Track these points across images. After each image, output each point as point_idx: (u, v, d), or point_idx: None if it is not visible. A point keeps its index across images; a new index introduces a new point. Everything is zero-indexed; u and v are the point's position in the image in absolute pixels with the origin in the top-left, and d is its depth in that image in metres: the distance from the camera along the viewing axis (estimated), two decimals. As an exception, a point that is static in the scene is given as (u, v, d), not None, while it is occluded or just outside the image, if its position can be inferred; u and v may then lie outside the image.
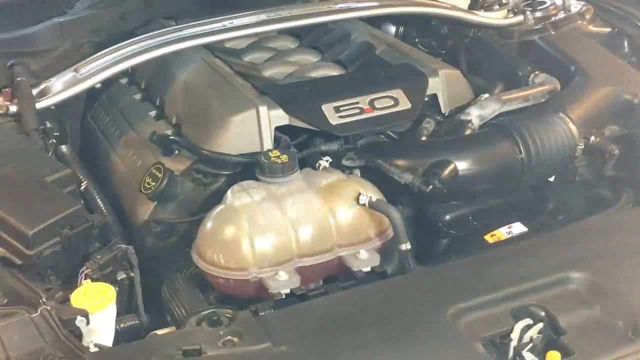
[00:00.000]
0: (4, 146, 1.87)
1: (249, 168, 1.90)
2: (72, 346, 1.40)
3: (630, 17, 2.53)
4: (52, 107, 2.07)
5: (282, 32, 2.53)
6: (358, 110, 2.03)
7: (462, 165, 1.92)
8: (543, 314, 1.47)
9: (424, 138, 2.06)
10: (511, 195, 2.05)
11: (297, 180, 1.82)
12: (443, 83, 2.17)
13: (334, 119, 2.01)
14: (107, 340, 1.56)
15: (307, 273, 1.73)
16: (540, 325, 1.45)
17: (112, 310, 1.55)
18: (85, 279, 1.60)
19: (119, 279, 1.71)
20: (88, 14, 2.64)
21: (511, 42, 2.49)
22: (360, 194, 1.77)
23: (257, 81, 2.16)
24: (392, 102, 2.07)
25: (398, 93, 2.09)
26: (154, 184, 1.97)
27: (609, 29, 2.55)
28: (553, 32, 2.50)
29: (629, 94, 2.14)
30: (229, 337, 1.42)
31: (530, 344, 1.43)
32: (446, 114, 2.18)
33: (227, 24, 2.28)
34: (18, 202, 1.63)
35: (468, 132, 2.06)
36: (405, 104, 2.07)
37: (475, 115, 2.10)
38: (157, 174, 1.96)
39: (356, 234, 1.77)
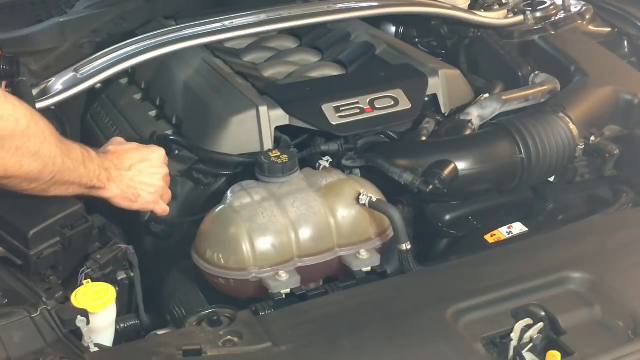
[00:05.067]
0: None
1: (249, 168, 1.90)
2: (72, 346, 1.40)
3: (630, 17, 2.53)
4: (52, 107, 2.07)
5: (282, 32, 2.53)
6: (358, 110, 2.03)
7: (462, 165, 1.92)
8: (543, 314, 1.47)
9: (424, 138, 2.06)
10: (511, 195, 2.05)
11: (297, 180, 1.82)
12: (443, 83, 2.17)
13: (334, 119, 2.01)
14: (107, 340, 1.56)
15: (307, 273, 1.73)
16: (540, 325, 1.45)
17: (112, 310, 1.55)
18: (85, 279, 1.61)
19: (119, 279, 1.71)
20: (88, 14, 2.65)
21: (511, 42, 2.49)
22: (360, 194, 1.77)
23: (257, 81, 2.16)
24: (392, 102, 2.07)
25: (398, 93, 2.09)
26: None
27: (609, 29, 2.55)
28: (553, 32, 2.50)
29: (629, 94, 2.14)
30: (229, 337, 1.42)
31: (530, 344, 1.43)
32: (446, 114, 2.18)
33: (227, 24, 2.28)
34: (18, 202, 1.63)
35: (468, 132, 2.06)
36: (405, 104, 2.07)
37: (475, 115, 2.10)
38: None
39: (356, 234, 1.77)
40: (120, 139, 1.89)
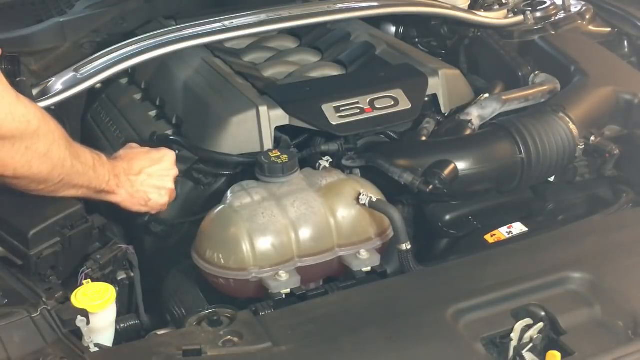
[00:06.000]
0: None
1: (249, 168, 1.90)
2: (72, 346, 1.40)
3: (630, 17, 2.53)
4: (52, 107, 2.07)
5: (282, 32, 2.53)
6: (358, 110, 2.03)
7: (462, 165, 1.92)
8: (543, 314, 1.47)
9: (424, 138, 2.06)
10: (511, 195, 2.05)
11: (297, 180, 1.82)
12: (443, 83, 2.17)
13: (334, 119, 2.01)
14: (107, 340, 1.56)
15: (307, 273, 1.73)
16: (540, 325, 1.45)
17: (112, 310, 1.55)
18: (85, 279, 1.61)
19: (119, 279, 1.71)
20: (88, 14, 2.64)
21: (511, 42, 2.49)
22: (360, 194, 1.77)
23: (257, 81, 2.16)
24: (392, 102, 2.07)
25: (398, 93, 2.09)
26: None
27: (609, 29, 2.55)
28: (553, 32, 2.50)
29: (629, 94, 2.14)
30: (229, 337, 1.42)
31: (530, 344, 1.43)
32: (446, 114, 2.18)
33: (227, 24, 2.28)
34: (18, 202, 1.63)
35: (468, 132, 2.06)
36: (405, 104, 2.07)
37: (475, 115, 2.10)
38: None
39: (356, 234, 1.77)
40: (134, 144, 1.91)
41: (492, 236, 1.92)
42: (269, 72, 2.28)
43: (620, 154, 2.06)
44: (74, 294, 1.51)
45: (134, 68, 2.30)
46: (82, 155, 1.64)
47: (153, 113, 2.29)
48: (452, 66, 2.29)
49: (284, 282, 1.68)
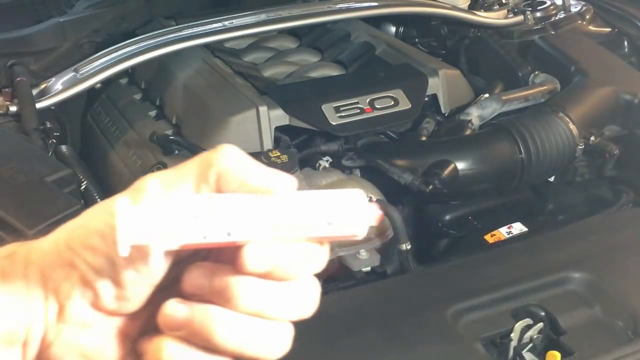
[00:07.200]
0: (4, 146, 1.87)
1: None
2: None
3: (630, 17, 2.53)
4: (52, 107, 2.07)
5: (282, 32, 2.53)
6: (358, 111, 2.03)
7: (462, 165, 1.92)
8: (543, 314, 1.47)
9: (424, 138, 2.06)
10: (511, 195, 2.05)
11: (297, 180, 1.81)
12: (443, 83, 2.17)
13: (334, 119, 2.00)
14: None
15: (307, 273, 1.72)
16: (540, 325, 1.45)
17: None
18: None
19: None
20: (88, 14, 2.64)
21: (511, 42, 2.49)
22: (360, 194, 1.76)
23: (257, 81, 2.16)
24: (392, 102, 2.07)
25: (398, 93, 2.09)
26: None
27: (609, 29, 2.55)
28: (553, 32, 2.50)
29: (629, 94, 2.14)
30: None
31: (530, 344, 1.43)
32: (446, 114, 2.18)
33: (227, 24, 2.28)
34: (18, 202, 1.62)
35: (468, 132, 2.06)
36: (405, 104, 2.07)
37: (475, 115, 2.10)
38: None
39: (356, 234, 1.76)
40: None
41: (492, 236, 1.92)
42: (269, 72, 2.28)
43: (620, 154, 2.06)
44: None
45: (134, 68, 2.30)
46: None
47: (153, 113, 2.29)
48: (452, 66, 2.29)
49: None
